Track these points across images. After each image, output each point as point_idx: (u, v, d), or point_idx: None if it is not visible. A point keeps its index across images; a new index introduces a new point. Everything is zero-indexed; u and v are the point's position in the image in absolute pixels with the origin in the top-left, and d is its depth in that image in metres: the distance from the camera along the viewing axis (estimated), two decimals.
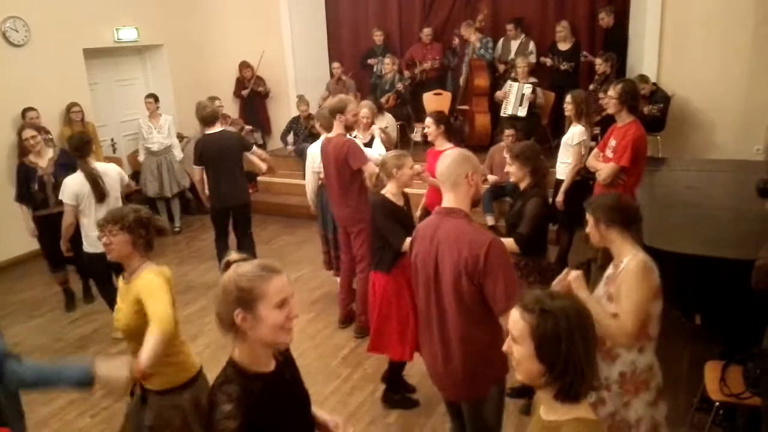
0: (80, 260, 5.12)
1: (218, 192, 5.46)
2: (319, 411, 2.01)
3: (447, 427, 3.70)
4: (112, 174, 4.78)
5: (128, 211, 2.63)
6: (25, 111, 6.53)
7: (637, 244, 2.49)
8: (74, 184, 4.59)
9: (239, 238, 5.75)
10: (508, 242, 3.43)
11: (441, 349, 2.49)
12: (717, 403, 3.10)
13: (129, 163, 8.20)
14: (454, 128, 4.08)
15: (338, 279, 5.28)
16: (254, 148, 5.74)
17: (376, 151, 5.07)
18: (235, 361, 1.68)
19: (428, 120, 4.77)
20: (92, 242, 4.52)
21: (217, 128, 5.44)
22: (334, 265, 5.37)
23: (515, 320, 1.58)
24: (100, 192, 4.59)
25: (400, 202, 3.76)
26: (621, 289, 2.40)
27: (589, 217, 2.55)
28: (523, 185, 3.71)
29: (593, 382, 1.57)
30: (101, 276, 4.86)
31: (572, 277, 2.45)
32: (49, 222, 5.29)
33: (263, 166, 5.65)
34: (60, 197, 4.70)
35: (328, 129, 4.74)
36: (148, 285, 2.53)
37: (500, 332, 2.28)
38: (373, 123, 5.57)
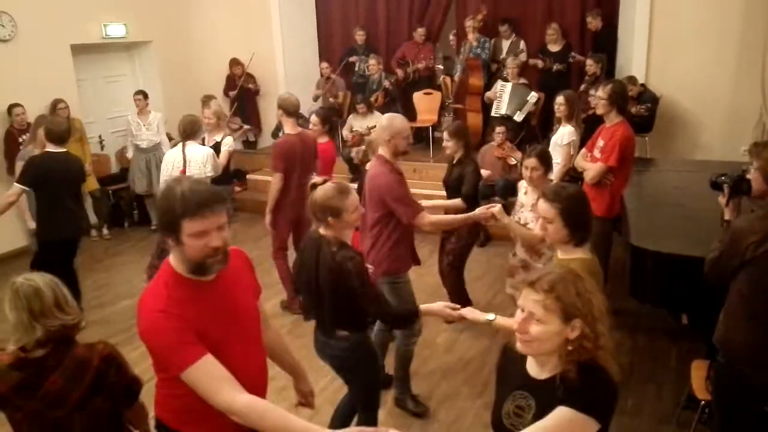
0: None
1: (51, 221, 4.75)
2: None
3: (436, 426, 3.72)
4: None
5: None
6: (11, 107, 6.45)
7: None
8: None
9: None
10: (456, 202, 4.27)
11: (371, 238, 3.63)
12: (703, 402, 3.12)
13: (117, 160, 8.15)
14: (334, 127, 5.77)
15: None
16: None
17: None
18: (333, 236, 2.72)
19: (314, 118, 5.43)
20: None
21: (62, 149, 4.71)
22: None
23: (545, 208, 2.48)
24: None
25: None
26: None
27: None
28: (457, 156, 4.54)
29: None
30: None
31: (496, 209, 3.45)
32: None
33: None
34: None
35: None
36: None
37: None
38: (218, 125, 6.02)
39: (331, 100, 8.46)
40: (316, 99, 8.46)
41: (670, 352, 4.32)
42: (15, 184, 4.66)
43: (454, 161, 4.58)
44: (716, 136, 6.62)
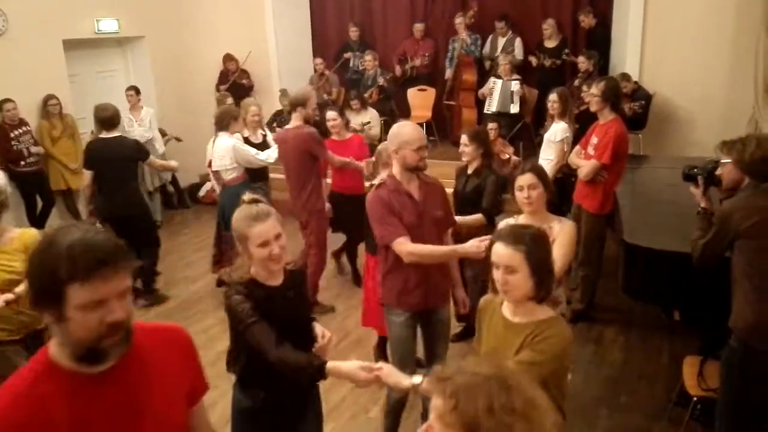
0: None
1: (107, 201, 5.18)
2: (317, 326, 2.47)
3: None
4: None
5: None
6: (2, 102, 6.40)
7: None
8: None
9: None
10: (476, 218, 3.85)
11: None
12: (695, 398, 3.14)
13: None
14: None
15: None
16: (151, 157, 5.53)
17: (273, 152, 5.29)
18: (250, 273, 2.23)
19: (332, 113, 5.31)
20: None
21: (115, 133, 5.19)
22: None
23: (509, 255, 1.95)
24: None
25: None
26: (558, 241, 2.79)
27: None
28: (474, 165, 4.07)
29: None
30: None
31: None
32: None
33: (174, 166, 5.75)
34: None
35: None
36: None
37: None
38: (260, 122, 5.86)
39: (325, 96, 8.43)
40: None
41: (662, 348, 4.34)
42: (84, 170, 5.34)
43: (470, 170, 4.11)
44: (709, 133, 6.62)
